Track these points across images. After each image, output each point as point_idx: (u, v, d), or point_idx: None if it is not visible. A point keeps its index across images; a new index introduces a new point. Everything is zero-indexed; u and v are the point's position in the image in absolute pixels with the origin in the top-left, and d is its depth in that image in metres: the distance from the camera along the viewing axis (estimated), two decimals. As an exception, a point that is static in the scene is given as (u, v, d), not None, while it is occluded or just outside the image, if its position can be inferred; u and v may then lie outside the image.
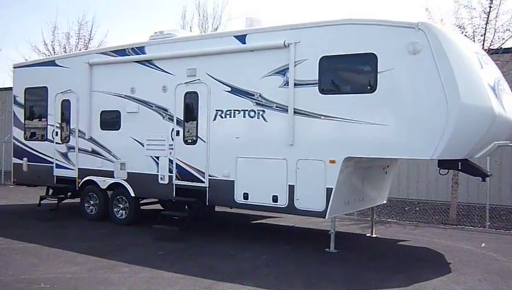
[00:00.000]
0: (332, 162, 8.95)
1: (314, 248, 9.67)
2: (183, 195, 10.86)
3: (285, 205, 9.47)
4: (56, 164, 13.16)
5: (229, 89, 10.12)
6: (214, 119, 10.30)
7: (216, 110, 10.27)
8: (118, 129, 11.90)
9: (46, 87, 13.47)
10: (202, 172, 10.45)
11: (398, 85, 8.47)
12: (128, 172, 11.71)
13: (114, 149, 12.02)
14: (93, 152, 12.37)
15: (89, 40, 23.70)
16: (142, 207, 12.24)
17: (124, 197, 11.91)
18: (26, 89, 14.04)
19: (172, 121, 10.89)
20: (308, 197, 9.24)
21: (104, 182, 12.15)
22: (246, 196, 9.89)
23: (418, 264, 8.68)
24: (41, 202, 13.20)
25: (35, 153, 13.74)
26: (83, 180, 12.57)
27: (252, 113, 9.83)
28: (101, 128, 12.25)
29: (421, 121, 8.24)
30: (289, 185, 9.40)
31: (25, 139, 14.05)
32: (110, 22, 48.79)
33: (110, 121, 12.12)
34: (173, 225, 10.54)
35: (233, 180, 10.03)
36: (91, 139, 12.41)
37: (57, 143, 13.14)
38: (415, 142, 8.34)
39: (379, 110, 8.59)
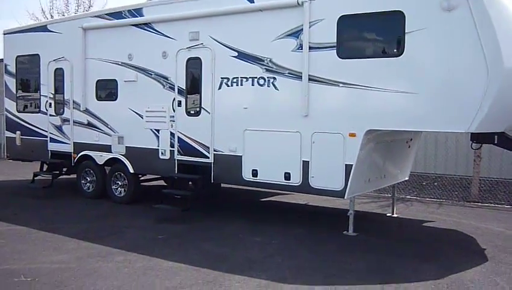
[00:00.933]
0: (352, 135, 7.93)
1: (330, 231, 8.72)
2: (186, 172, 9.92)
3: (298, 183, 8.49)
4: (50, 137, 12.22)
5: (236, 54, 9.06)
6: (219, 88, 9.27)
7: (221, 78, 9.23)
8: (115, 100, 10.91)
9: (38, 54, 12.44)
10: (206, 146, 9.48)
11: (428, 47, 7.37)
12: (126, 146, 10.76)
13: (111, 122, 11.05)
14: (89, 125, 11.41)
15: (89, 6, 22.63)
16: (142, 184, 11.32)
17: (122, 174, 10.99)
18: (17, 57, 13.01)
19: (174, 90, 9.88)
20: (325, 175, 8.25)
21: (101, 158, 11.21)
22: (255, 173, 8.92)
23: (448, 250, 7.72)
24: (35, 178, 12.30)
25: (28, 126, 12.80)
26: (78, 155, 11.64)
27: (261, 81, 8.78)
28: (97, 99, 11.26)
29: (455, 89, 7.16)
30: (303, 161, 8.42)
31: (18, 111, 13.09)
32: (113, -11, 47.31)
33: (107, 91, 11.13)
34: (175, 204, 9.59)
35: (241, 156, 9.05)
36: (86, 111, 11.43)
37: (50, 115, 12.17)
38: (448, 113, 7.27)
39: (406, 76, 7.52)
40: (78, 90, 11.52)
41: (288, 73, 8.50)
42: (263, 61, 8.74)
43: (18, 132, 13.01)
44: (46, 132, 12.28)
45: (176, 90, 9.83)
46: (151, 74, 10.24)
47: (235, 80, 9.08)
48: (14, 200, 11.41)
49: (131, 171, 10.70)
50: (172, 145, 9.96)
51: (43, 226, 8.72)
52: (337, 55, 8.03)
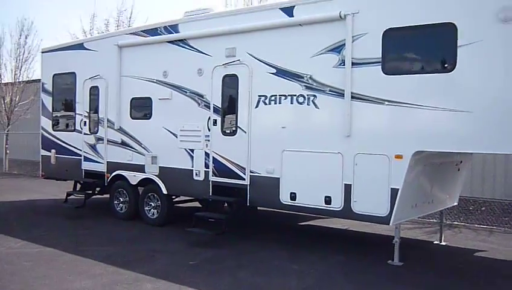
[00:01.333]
0: (399, 157, 7.36)
1: (373, 259, 8.11)
2: (221, 194, 9.48)
3: (340, 207, 7.94)
4: (84, 156, 12.02)
5: (274, 70, 8.64)
6: (257, 106, 8.85)
7: (259, 96, 8.82)
8: (149, 118, 10.62)
9: (74, 72, 12.32)
10: (242, 167, 9.03)
11: (482, 62, 6.79)
12: (160, 166, 10.41)
13: (145, 141, 10.75)
14: (123, 144, 11.14)
15: (128, 26, 22.62)
16: (177, 205, 10.94)
17: (155, 195, 10.63)
18: (54, 75, 12.93)
19: (209, 108, 9.51)
20: (369, 199, 7.69)
21: (134, 178, 10.90)
22: (293, 196, 8.42)
23: (505, 285, 7.01)
24: (68, 198, 12.07)
25: (63, 144, 12.64)
26: (112, 175, 11.38)
27: (300, 99, 8.33)
28: (131, 118, 11.00)
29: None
30: (345, 184, 7.87)
31: (53, 129, 12.97)
32: (151, 7, 47.94)
33: (141, 109, 10.85)
34: (209, 228, 9.14)
35: (279, 178, 8.57)
36: (120, 130, 11.18)
37: (85, 134, 11.99)
38: (503, 133, 6.66)
39: (458, 93, 6.94)
40: (113, 109, 11.29)
41: (330, 90, 8.02)
42: (303, 78, 8.29)
43: (53, 151, 12.88)
44: (81, 150, 12.09)
45: (212, 108, 9.46)
46: (186, 92, 9.91)
47: (273, 98, 8.65)
48: (47, 220, 11.18)
49: (165, 192, 10.34)
50: (207, 166, 9.57)
51: (72, 249, 8.40)
52: (383, 71, 7.51)
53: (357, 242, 9.65)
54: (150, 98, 10.57)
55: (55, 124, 12.94)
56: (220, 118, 9.36)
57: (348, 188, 7.85)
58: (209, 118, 9.49)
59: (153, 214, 10.72)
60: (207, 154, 9.55)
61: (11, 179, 20.34)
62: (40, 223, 10.81)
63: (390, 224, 7.48)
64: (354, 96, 7.76)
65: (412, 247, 8.97)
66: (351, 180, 7.83)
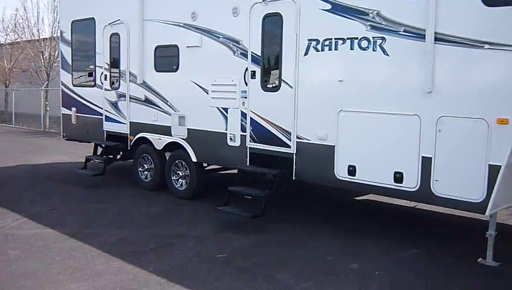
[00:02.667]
0: (503, 122, 5.32)
1: (457, 256, 6.15)
2: (261, 164, 7.66)
3: (415, 188, 5.99)
4: (105, 116, 10.40)
5: (329, 6, 6.62)
6: (306, 54, 6.88)
7: (309, 40, 6.83)
8: (176, 70, 8.80)
9: (93, 18, 10.58)
10: (288, 132, 7.15)
11: None
12: (188, 129, 8.65)
13: (171, 98, 8.98)
14: (147, 101, 9.41)
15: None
16: (209, 174, 9.22)
17: (183, 163, 8.92)
18: (73, 22, 11.22)
19: (246, 57, 7.60)
20: (456, 179, 5.70)
21: (159, 141, 9.21)
22: (352, 171, 6.51)
23: None
24: (88, 163, 10.51)
25: (84, 102, 11.06)
26: (135, 138, 9.72)
27: (364, 43, 6.30)
28: (156, 70, 9.22)
29: None
30: (423, 157, 5.90)
31: (73, 85, 11.37)
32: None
33: (166, 59, 9.05)
34: (245, 207, 7.34)
35: (334, 146, 6.65)
36: (144, 84, 9.44)
37: (106, 90, 10.33)
38: None
39: None
40: (135, 60, 9.53)
41: (404, 31, 5.95)
42: (367, 15, 6.24)
43: (74, 109, 11.33)
44: (102, 109, 10.47)
45: (249, 57, 7.54)
46: (218, 37, 8.01)
47: (327, 43, 6.65)
48: (60, 189, 9.69)
49: (194, 159, 8.59)
50: (243, 129, 7.73)
51: (76, 231, 6.83)
52: (482, 0, 5.39)
53: (430, 227, 7.66)
54: (176, 46, 8.73)
55: (75, 78, 11.33)
56: (259, 70, 7.44)
57: (426, 163, 5.87)
58: (247, 70, 7.59)
59: (181, 184, 9.03)
60: (243, 115, 7.71)
61: (47, 138, 19.17)
62: (52, 193, 9.31)
63: (487, 213, 5.48)
64: (438, 38, 5.69)
65: (508, 242, 6.90)
66: (431, 152, 5.83)
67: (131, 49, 9.65)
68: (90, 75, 10.82)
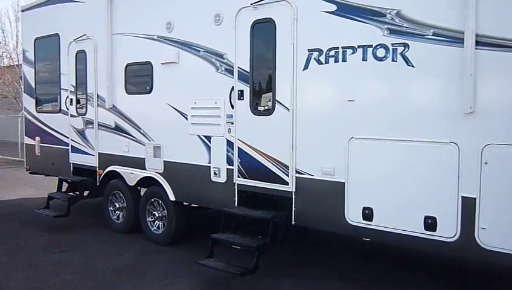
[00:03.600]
0: None
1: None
2: (252, 204, 6.23)
3: (453, 237, 4.58)
4: (72, 146, 8.96)
5: (334, 7, 5.27)
6: (306, 68, 5.51)
7: (309, 51, 5.47)
8: (150, 92, 7.41)
9: (57, 34, 9.21)
10: (285, 165, 5.74)
11: None
12: (164, 161, 7.23)
13: (144, 124, 7.57)
14: (117, 129, 8.00)
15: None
16: (191, 214, 7.75)
17: (160, 201, 7.47)
18: (36, 39, 9.84)
19: (232, 74, 6.22)
20: (509, 226, 4.30)
21: (131, 176, 7.77)
22: (368, 215, 5.10)
23: None
24: (51, 201, 9.00)
25: (48, 130, 9.63)
26: (104, 172, 8.28)
27: (380, 52, 4.95)
28: (127, 92, 7.82)
29: None
30: (463, 197, 4.50)
31: (37, 111, 9.96)
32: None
33: (139, 79, 7.67)
34: (233, 260, 5.86)
35: (343, 183, 5.25)
36: (113, 109, 8.04)
37: (71, 116, 8.91)
38: None
39: None
40: (103, 80, 8.13)
41: (434, 34, 4.61)
42: (384, 16, 4.90)
43: (37, 138, 9.89)
44: (68, 138, 9.03)
45: (236, 74, 6.17)
46: (198, 51, 6.64)
47: (332, 53, 5.29)
48: (16, 233, 8.18)
49: (172, 198, 7.15)
50: (230, 162, 6.32)
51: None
52: (542, -9, 4.08)
53: (468, 276, 6.22)
54: (149, 63, 7.35)
55: (39, 103, 9.92)
56: (248, 89, 6.06)
57: (468, 205, 4.47)
58: (233, 89, 6.21)
59: (158, 227, 7.57)
60: (230, 144, 6.31)
61: (20, 169, 17.55)
62: (6, 238, 7.82)
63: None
64: (481, 42, 4.35)
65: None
66: (474, 191, 4.44)
67: (99, 68, 8.26)
68: (55, 99, 9.41)
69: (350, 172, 5.20)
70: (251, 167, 6.08)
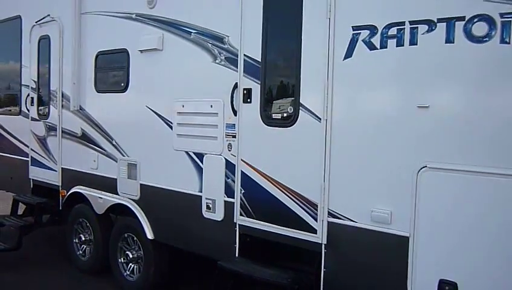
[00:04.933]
0: None
1: None
2: (260, 255, 4.28)
3: None
4: (32, 157, 7.05)
5: (397, -39, 3.34)
6: (348, 56, 3.54)
7: (354, 29, 3.50)
8: (124, 90, 5.47)
9: (19, 16, 7.32)
10: (311, 203, 3.79)
11: None
12: (142, 185, 5.28)
13: (117, 133, 5.65)
14: (84, 138, 6.08)
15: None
16: (176, 260, 5.77)
17: (135, 238, 5.53)
18: (-4, 24, 7.98)
19: (236, 65, 4.28)
20: None
21: (100, 202, 5.83)
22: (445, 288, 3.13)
23: None
24: (2, 228, 7.04)
25: (7, 136, 7.73)
26: (68, 193, 6.35)
27: (479, 28, 2.99)
28: (97, 90, 5.90)
29: None
30: None
31: (-4, 111, 8.08)
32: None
33: (112, 73, 5.74)
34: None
35: (407, 238, 3.27)
36: (80, 112, 6.12)
37: (32, 119, 7.00)
38: None
39: None
40: (69, 74, 6.22)
41: None
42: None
43: (-5, 146, 7.99)
44: (28, 147, 7.13)
45: (241, 65, 4.23)
46: (189, 33, 4.71)
47: (393, 32, 3.32)
48: None
49: (150, 236, 5.20)
50: (229, 192, 4.38)
51: None
52: None
53: None
54: (125, 51, 5.42)
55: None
56: (259, 87, 4.11)
57: None
58: (236, 87, 4.26)
59: (133, 271, 5.62)
60: (230, 167, 4.36)
61: None
62: None
63: None
64: None
65: None
66: None
67: (64, 58, 6.35)
68: (15, 98, 7.51)
69: (420, 221, 3.23)
70: (260, 201, 4.14)
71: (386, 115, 3.40)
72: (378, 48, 3.40)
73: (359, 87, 3.54)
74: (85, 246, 6.36)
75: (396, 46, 3.32)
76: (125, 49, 5.41)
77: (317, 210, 3.75)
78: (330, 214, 3.69)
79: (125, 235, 5.63)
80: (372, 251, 3.48)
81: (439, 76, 3.16)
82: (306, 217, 3.82)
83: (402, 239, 3.30)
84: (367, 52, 3.45)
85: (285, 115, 3.96)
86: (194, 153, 4.68)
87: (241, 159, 4.25)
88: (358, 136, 3.53)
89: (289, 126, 3.91)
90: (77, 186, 6.17)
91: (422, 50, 3.20)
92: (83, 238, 6.33)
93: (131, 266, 5.63)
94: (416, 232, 3.25)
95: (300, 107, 3.82)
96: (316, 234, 3.76)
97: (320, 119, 3.70)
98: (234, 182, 4.32)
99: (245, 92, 4.19)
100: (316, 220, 3.76)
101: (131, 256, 5.56)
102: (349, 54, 3.54)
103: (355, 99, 3.58)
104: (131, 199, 5.40)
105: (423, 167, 3.20)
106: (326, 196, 3.69)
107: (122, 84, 5.47)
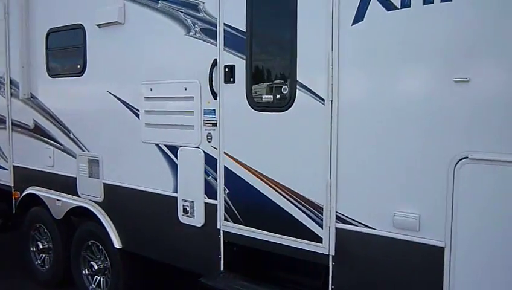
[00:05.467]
0: None
1: None
2: (250, 268, 3.54)
3: None
4: (-20, 154, 6.17)
5: None
6: (359, 19, 2.79)
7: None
8: (81, 73, 4.62)
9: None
10: (313, 205, 3.05)
11: None
12: (105, 185, 4.47)
13: (75, 125, 4.81)
14: (37, 131, 5.23)
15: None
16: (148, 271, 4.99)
17: (100, 246, 4.73)
18: None
19: (215, 38, 3.49)
20: None
21: (57, 205, 5.01)
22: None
23: None
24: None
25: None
26: (22, 195, 5.50)
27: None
28: (49, 74, 5.03)
29: None
30: None
31: None
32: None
33: (66, 53, 4.88)
34: None
35: (442, 248, 2.57)
36: (32, 101, 5.26)
37: (-22, 110, 6.11)
38: None
39: None
40: (16, 57, 5.34)
41: None
42: None
43: None
44: (-24, 143, 6.24)
45: (221, 37, 3.44)
46: (155, 2, 3.89)
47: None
48: None
49: (117, 245, 4.40)
50: (210, 192, 3.61)
51: None
52: None
53: None
54: (81, 27, 4.57)
55: None
56: (244, 63, 3.33)
57: None
58: (216, 64, 3.47)
59: (99, 285, 4.82)
60: (210, 161, 3.59)
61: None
62: None
63: None
64: None
65: None
66: None
67: (11, 39, 5.47)
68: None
69: (458, 228, 2.53)
70: (249, 203, 3.38)
71: (412, 94, 2.67)
72: (399, 7, 2.65)
73: (374, 59, 2.79)
74: (44, 255, 5.54)
75: (424, 4, 2.58)
76: (81, 24, 4.56)
77: (322, 214, 3.02)
78: (339, 219, 2.96)
79: (89, 243, 4.82)
80: (395, 266, 2.76)
81: (482, 37, 2.43)
82: (308, 222, 3.08)
83: (435, 250, 2.60)
84: (383, 13, 2.71)
85: (278, 96, 3.19)
86: (166, 145, 3.89)
87: (224, 152, 3.49)
88: (373, 121, 2.79)
89: (284, 110, 3.15)
90: (32, 187, 5.33)
91: (457, 6, 2.47)
92: (41, 246, 5.48)
93: (97, 278, 4.83)
94: (453, 241, 2.54)
95: (297, 87, 3.07)
96: (322, 243, 3.03)
97: (323, 100, 2.96)
98: (216, 180, 3.55)
99: (227, 69, 3.41)
100: (321, 226, 3.03)
101: (96, 267, 4.76)
102: (359, 16, 2.80)
103: (369, 74, 2.83)
104: (94, 201, 4.58)
105: (463, 159, 2.48)
106: (333, 196, 2.96)
107: (79, 67, 4.63)
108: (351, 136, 2.88)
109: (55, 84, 4.97)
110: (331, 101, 2.92)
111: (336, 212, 2.97)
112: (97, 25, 4.35)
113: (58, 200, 4.99)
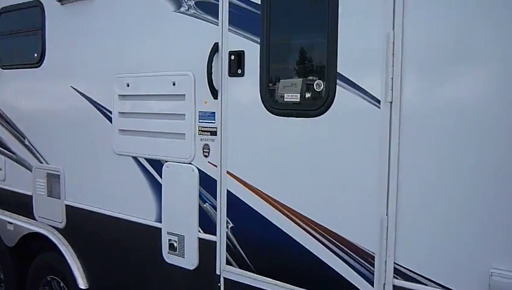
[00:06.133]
0: None
1: None
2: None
3: None
4: None
5: None
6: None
7: None
8: (39, 64, 3.64)
9: None
10: (362, 252, 2.12)
11: None
12: (67, 206, 3.50)
13: (30, 128, 3.83)
14: (-15, 136, 4.24)
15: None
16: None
17: (62, 284, 3.75)
18: None
19: (216, 15, 2.54)
20: None
21: (9, 230, 4.02)
22: None
23: None
24: None
25: None
26: (-34, 216, 4.50)
27: None
28: (0, 65, 4.05)
29: None
30: None
31: None
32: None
33: (20, 39, 3.90)
34: None
35: None
36: (-22, 99, 4.27)
37: None
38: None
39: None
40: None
41: None
42: None
43: None
44: None
45: (224, 13, 2.50)
46: (135, -33, 2.96)
47: None
48: None
49: (82, 284, 3.43)
50: (206, 224, 2.67)
51: None
52: None
53: None
54: (38, 5, 3.60)
55: None
56: (258, 48, 2.39)
57: None
58: (217, 50, 2.53)
59: (61, 331, 3.86)
60: (207, 183, 2.65)
61: None
62: None
63: None
64: None
65: None
66: None
67: (-44, 22, 4.46)
68: None
69: None
70: (262, 243, 2.45)
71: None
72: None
73: (454, 42, 1.88)
74: (-5, 288, 4.54)
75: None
76: (38, 1, 3.58)
77: (373, 266, 2.09)
78: (398, 274, 2.04)
79: (48, 278, 3.83)
80: None
81: None
82: (351, 276, 2.15)
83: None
84: None
85: (308, 95, 2.26)
86: (147, 159, 2.94)
87: (227, 172, 2.54)
88: (454, 132, 1.88)
89: (317, 115, 2.22)
90: (-22, 206, 4.32)
91: None
92: (-8, 278, 4.49)
93: (58, 322, 3.85)
94: None
95: (338, 82, 2.14)
96: (374, 308, 2.10)
97: (378, 102, 2.03)
98: (215, 209, 2.61)
99: (232, 57, 2.47)
100: (371, 283, 2.10)
101: (57, 309, 3.78)
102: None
103: (447, 64, 1.92)
104: (54, 227, 3.61)
105: None
106: (390, 240, 2.04)
107: (36, 55, 3.65)
108: (420, 153, 1.96)
109: (7, 77, 3.98)
110: (391, 103, 1.99)
111: (394, 263, 2.04)
112: (59, 1, 3.38)
113: (9, 223, 3.99)
